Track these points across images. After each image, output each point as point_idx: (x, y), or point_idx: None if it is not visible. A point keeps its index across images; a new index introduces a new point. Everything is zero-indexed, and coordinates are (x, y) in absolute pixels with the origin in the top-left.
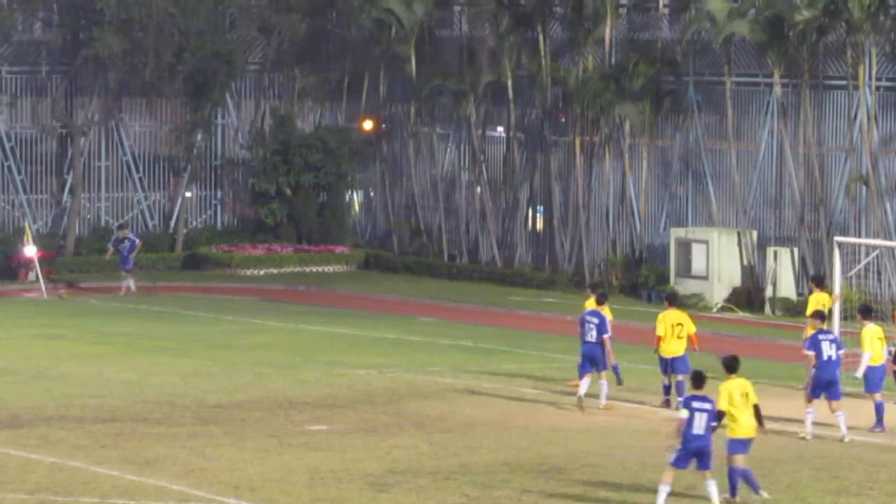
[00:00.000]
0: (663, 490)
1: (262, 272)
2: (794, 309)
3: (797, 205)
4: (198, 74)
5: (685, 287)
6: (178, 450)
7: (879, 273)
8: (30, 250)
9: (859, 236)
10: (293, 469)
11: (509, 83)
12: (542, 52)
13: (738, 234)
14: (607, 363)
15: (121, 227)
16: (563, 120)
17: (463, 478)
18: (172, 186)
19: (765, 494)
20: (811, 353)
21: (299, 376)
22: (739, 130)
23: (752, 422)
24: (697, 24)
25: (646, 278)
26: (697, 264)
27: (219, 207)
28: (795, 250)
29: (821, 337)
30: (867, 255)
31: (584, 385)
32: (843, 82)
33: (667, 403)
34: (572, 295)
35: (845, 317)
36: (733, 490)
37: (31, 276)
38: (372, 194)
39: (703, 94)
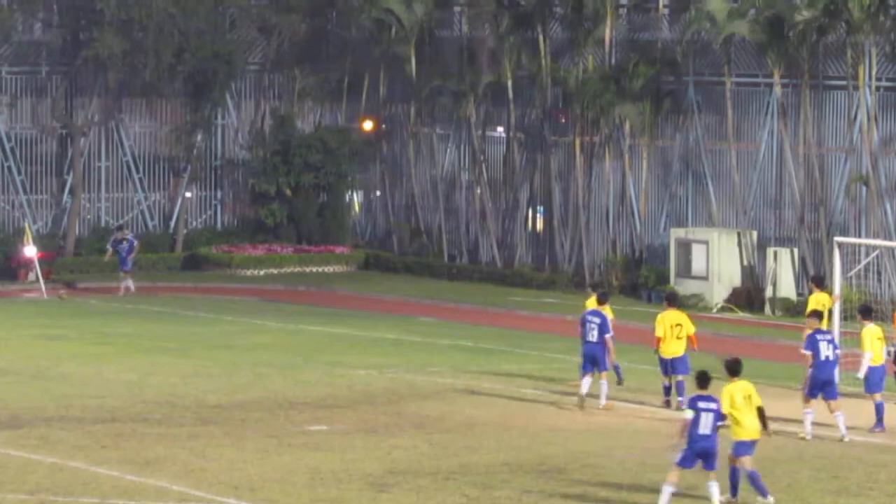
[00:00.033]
0: (667, 490)
1: (262, 272)
2: (794, 309)
3: (797, 205)
4: (198, 75)
5: (685, 287)
6: (178, 450)
7: (879, 273)
8: (30, 251)
9: (859, 236)
10: (293, 469)
11: (509, 83)
12: (542, 53)
13: (738, 234)
14: (608, 363)
15: (119, 227)
16: (563, 120)
17: (463, 478)
18: (172, 187)
19: (771, 499)
20: (808, 353)
21: (299, 377)
22: (739, 131)
23: (756, 424)
24: (697, 25)
25: (646, 279)
26: (697, 265)
27: (219, 208)
28: (795, 251)
29: (818, 337)
30: (867, 255)
31: (586, 384)
32: (843, 82)
33: (667, 404)
34: (572, 295)
35: (845, 317)
36: (734, 490)
37: (31, 276)
38: (378, 194)
39: (703, 94)
